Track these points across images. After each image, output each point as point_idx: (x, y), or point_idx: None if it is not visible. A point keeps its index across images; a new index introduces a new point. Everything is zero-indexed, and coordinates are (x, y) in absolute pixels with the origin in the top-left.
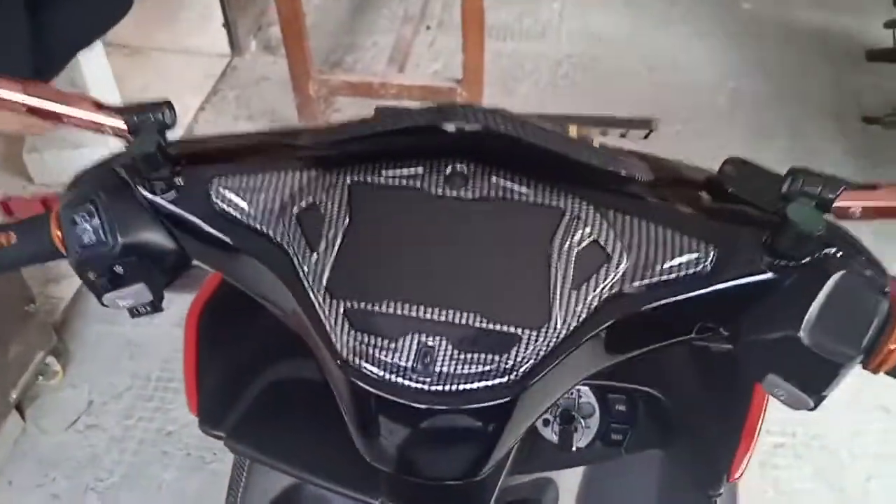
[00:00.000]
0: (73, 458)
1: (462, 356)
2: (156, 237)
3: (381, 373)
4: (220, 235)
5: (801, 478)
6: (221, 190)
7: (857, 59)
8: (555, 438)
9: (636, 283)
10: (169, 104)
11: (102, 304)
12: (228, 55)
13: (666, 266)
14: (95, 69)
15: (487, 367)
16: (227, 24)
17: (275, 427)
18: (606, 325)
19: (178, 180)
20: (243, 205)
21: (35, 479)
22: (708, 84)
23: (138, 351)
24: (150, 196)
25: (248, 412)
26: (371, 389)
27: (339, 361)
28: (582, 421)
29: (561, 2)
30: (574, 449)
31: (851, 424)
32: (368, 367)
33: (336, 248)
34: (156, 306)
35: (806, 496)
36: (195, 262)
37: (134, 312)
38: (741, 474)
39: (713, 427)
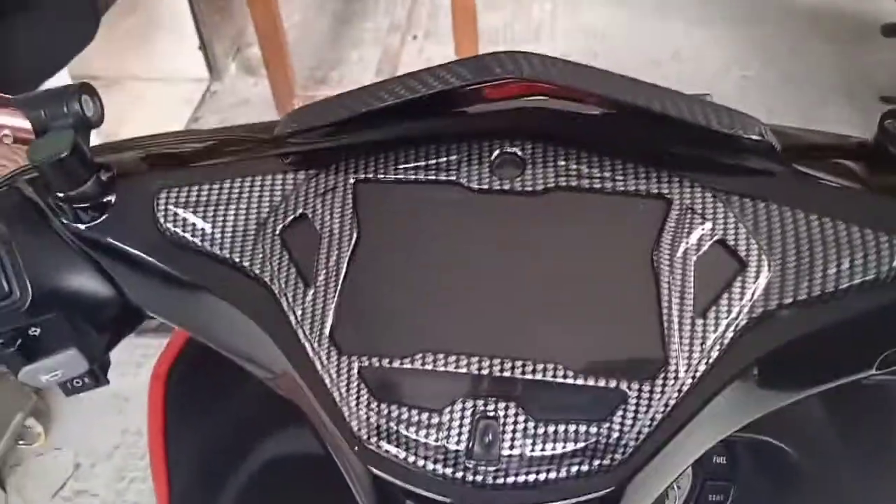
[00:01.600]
0: None
1: (540, 430)
2: (83, 281)
3: (420, 461)
4: (172, 271)
5: None
6: (171, 207)
7: (868, 36)
8: None
9: (787, 300)
10: (89, 89)
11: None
12: (207, 79)
13: (829, 272)
14: None
15: (580, 444)
16: (204, 47)
17: None
18: (748, 365)
19: (110, 198)
20: (203, 225)
21: None
22: (713, 73)
23: (126, 405)
24: (70, 223)
25: (238, 502)
26: (405, 485)
27: (355, 447)
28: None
29: (552, 1)
30: None
31: None
32: (399, 453)
33: (341, 278)
34: (97, 378)
35: None
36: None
37: (68, 389)
38: None
39: (861, 490)
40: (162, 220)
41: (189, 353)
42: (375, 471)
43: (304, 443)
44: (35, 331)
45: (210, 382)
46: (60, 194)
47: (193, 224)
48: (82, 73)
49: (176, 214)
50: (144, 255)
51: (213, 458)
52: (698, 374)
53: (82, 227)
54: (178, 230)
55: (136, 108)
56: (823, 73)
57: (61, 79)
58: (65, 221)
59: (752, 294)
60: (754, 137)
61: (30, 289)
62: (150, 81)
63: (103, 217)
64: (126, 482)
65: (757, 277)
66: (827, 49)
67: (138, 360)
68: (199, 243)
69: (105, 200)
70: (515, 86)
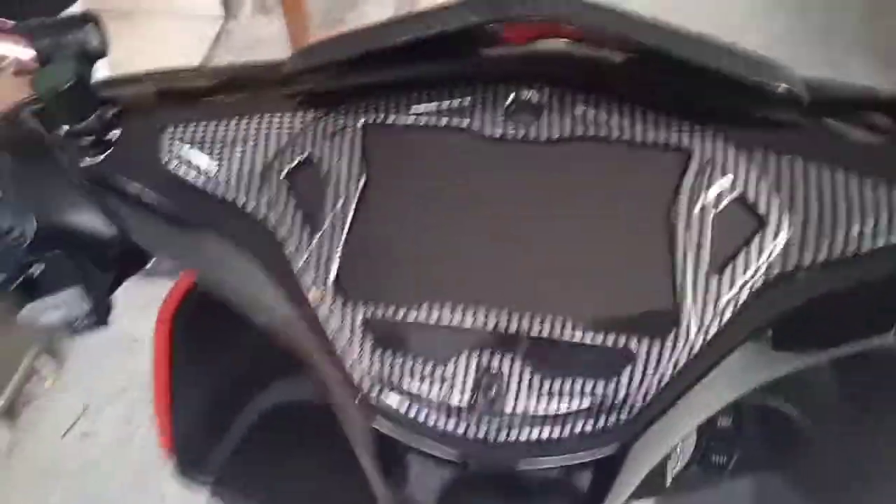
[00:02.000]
0: (67, 468)
1: (545, 386)
2: (87, 218)
3: (422, 415)
4: (176, 210)
5: None
6: (176, 144)
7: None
8: None
9: (806, 260)
10: (93, 18)
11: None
12: (222, 17)
13: (852, 233)
14: None
15: (585, 403)
16: None
17: (273, 470)
18: (763, 326)
19: (114, 133)
20: (208, 165)
21: (27, 491)
22: (735, 26)
23: (138, 346)
24: (73, 157)
25: (238, 451)
26: (406, 441)
27: (356, 399)
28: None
29: None
30: (669, 479)
31: None
32: (401, 405)
33: (347, 224)
34: (100, 317)
35: None
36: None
37: (71, 329)
38: None
39: (872, 462)
40: (167, 157)
41: (194, 298)
42: (375, 424)
43: (308, 392)
44: (38, 268)
45: (215, 328)
46: (64, 127)
47: (198, 163)
48: (97, 6)
49: (180, 152)
50: (148, 194)
51: (216, 404)
52: (710, 335)
53: (86, 161)
54: (182, 168)
55: (148, 44)
56: (850, 26)
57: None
58: (69, 156)
59: (771, 254)
60: (781, 88)
61: (34, 223)
62: (163, 16)
63: (107, 152)
64: (134, 425)
65: (776, 236)
66: (853, 1)
67: (149, 301)
68: (204, 183)
69: (109, 136)
70: (535, 27)
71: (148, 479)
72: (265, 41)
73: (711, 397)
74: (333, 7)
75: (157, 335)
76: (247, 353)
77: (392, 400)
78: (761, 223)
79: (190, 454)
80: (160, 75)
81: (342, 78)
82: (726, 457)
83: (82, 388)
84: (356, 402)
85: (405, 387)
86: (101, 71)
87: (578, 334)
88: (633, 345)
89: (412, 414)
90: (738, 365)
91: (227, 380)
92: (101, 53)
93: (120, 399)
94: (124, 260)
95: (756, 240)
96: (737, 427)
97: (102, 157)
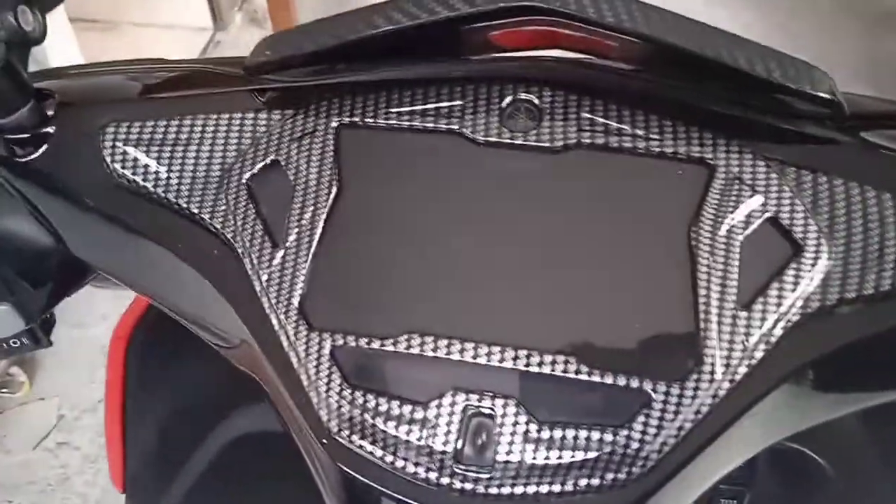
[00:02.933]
0: (41, 480)
1: (543, 434)
2: (17, 225)
3: (399, 462)
4: (119, 218)
5: None
6: (120, 144)
7: (893, 19)
8: None
9: (849, 295)
10: (28, 1)
11: None
12: (211, 29)
13: None
14: (59, 45)
15: (591, 454)
16: None
17: None
18: (797, 369)
19: (49, 129)
20: (156, 167)
21: None
22: None
23: None
24: (2, 155)
25: (196, 489)
26: (380, 488)
27: (323, 440)
28: None
29: None
30: None
31: None
32: (375, 450)
33: (315, 239)
34: (37, 338)
35: None
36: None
37: (3, 349)
38: None
39: None
40: (109, 158)
41: (153, 315)
42: (345, 468)
43: (273, 424)
44: None
45: (175, 349)
46: None
47: (146, 165)
48: (82, 16)
49: (126, 153)
50: (87, 199)
51: (172, 435)
52: (738, 377)
53: (16, 161)
54: (128, 172)
55: (135, 56)
56: (845, 58)
57: (58, 20)
58: None
59: (808, 285)
60: (824, 96)
61: None
62: (151, 28)
63: (40, 151)
64: None
65: (814, 265)
66: (848, 32)
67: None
68: (152, 189)
69: (43, 132)
70: (529, 33)
71: (121, 498)
72: None
73: (736, 450)
74: (324, 16)
75: (111, 354)
76: (209, 377)
77: (364, 442)
78: (797, 249)
79: (143, 491)
80: (103, 67)
81: (312, 74)
82: (736, 501)
83: (57, 399)
84: (322, 443)
85: (380, 428)
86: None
87: (584, 373)
88: (648, 387)
89: (388, 459)
90: (768, 413)
91: (184, 407)
92: (37, 39)
93: (97, 410)
94: (62, 273)
95: (791, 268)
96: (748, 468)
97: (35, 154)
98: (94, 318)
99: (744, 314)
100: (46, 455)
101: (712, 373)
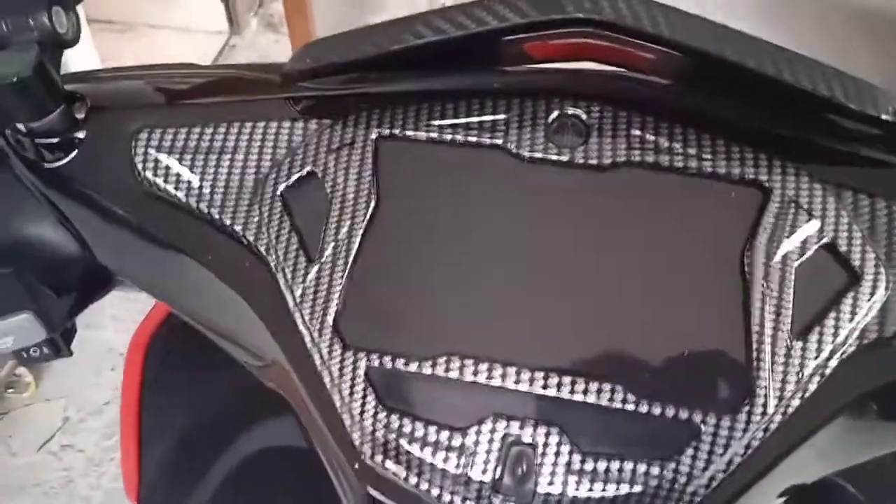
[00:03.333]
0: (44, 483)
1: (587, 465)
2: (43, 232)
3: (434, 490)
4: (148, 228)
5: None
6: (152, 151)
7: None
8: None
9: None
10: (63, 2)
11: None
12: (227, 33)
13: None
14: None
15: (637, 487)
16: None
17: None
18: (852, 402)
19: (80, 134)
20: (188, 176)
21: None
22: None
23: (121, 360)
24: (30, 161)
25: (213, 503)
26: None
27: (355, 464)
28: None
29: None
30: None
31: None
32: (409, 477)
33: (352, 254)
34: (58, 347)
35: None
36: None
37: (23, 358)
38: None
39: None
40: (140, 165)
41: (174, 323)
42: (377, 495)
43: (296, 439)
44: None
45: (195, 358)
46: (20, 126)
47: (178, 174)
48: (99, 17)
49: (157, 160)
50: (116, 207)
51: (190, 447)
52: (790, 410)
53: (45, 166)
54: (159, 180)
55: (152, 58)
56: (859, 74)
57: None
58: (25, 159)
59: (866, 314)
60: (888, 118)
61: None
62: (167, 30)
63: (70, 156)
64: (115, 440)
65: (873, 294)
66: (862, 48)
67: (136, 316)
68: (183, 198)
69: (74, 137)
70: (562, 45)
71: (125, 501)
72: (270, 58)
73: (783, 484)
74: (340, 22)
75: (128, 363)
76: (229, 389)
77: (398, 468)
78: (854, 278)
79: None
80: (137, 71)
81: (352, 83)
82: None
83: (63, 400)
84: (354, 468)
85: (415, 455)
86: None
87: (631, 402)
88: (697, 418)
89: (422, 487)
90: (821, 446)
91: (203, 419)
92: (72, 41)
93: (102, 413)
94: (87, 282)
95: (848, 297)
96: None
97: (65, 160)
98: (103, 319)
99: (799, 344)
100: (50, 457)
101: (765, 405)
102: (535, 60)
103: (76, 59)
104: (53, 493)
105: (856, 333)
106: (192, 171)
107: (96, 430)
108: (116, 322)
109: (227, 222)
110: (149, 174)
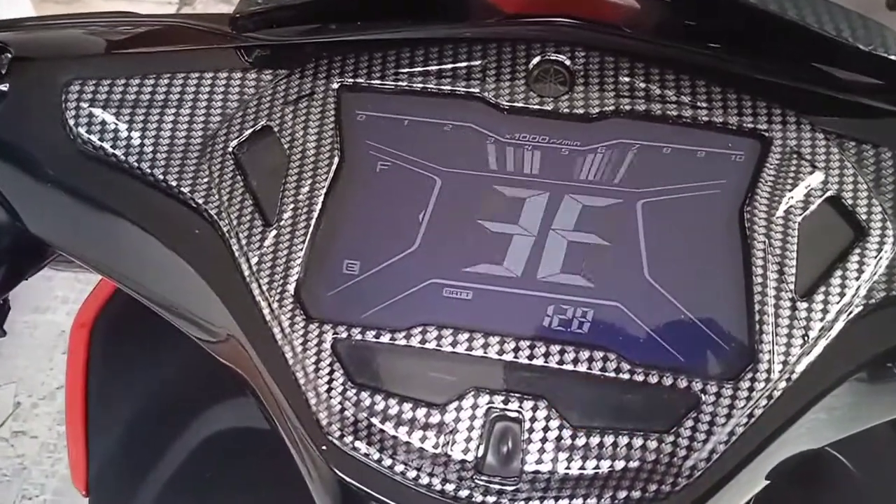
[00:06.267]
0: None
1: (578, 440)
2: None
3: (411, 472)
4: (82, 190)
5: None
6: (85, 105)
7: (876, 8)
8: None
9: None
10: None
11: None
12: (177, 3)
13: None
14: (15, 14)
15: (632, 462)
16: None
17: None
18: (861, 365)
19: (2, 86)
20: (127, 132)
21: None
22: None
23: None
24: None
25: (165, 490)
26: (387, 502)
27: (322, 446)
28: None
29: None
30: None
31: None
32: (383, 459)
33: (314, 217)
34: None
35: None
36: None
37: None
38: None
39: None
40: (73, 121)
41: (120, 300)
42: (346, 478)
43: (255, 420)
44: None
45: (143, 337)
46: None
47: (115, 129)
48: None
49: (91, 115)
50: (46, 167)
51: (140, 434)
52: (795, 376)
53: None
54: (94, 137)
55: None
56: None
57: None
58: None
59: (873, 272)
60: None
61: None
62: (114, 1)
63: None
64: None
65: (880, 250)
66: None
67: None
68: (122, 157)
69: None
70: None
71: None
72: None
73: (787, 454)
74: None
75: (72, 344)
76: (180, 368)
77: (370, 449)
78: (861, 233)
79: (108, 494)
80: (68, 19)
81: (307, 32)
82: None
83: (13, 385)
84: (321, 451)
85: (389, 434)
86: None
87: (625, 371)
88: (697, 387)
89: (397, 469)
90: (827, 412)
91: (154, 404)
92: None
93: (55, 399)
94: (17, 254)
95: (855, 254)
96: None
97: None
98: (53, 301)
99: (803, 305)
100: (2, 444)
101: (768, 371)
102: (504, 14)
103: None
104: (6, 480)
105: (863, 292)
106: (132, 127)
107: (49, 415)
108: (67, 305)
109: (173, 184)
110: (82, 130)
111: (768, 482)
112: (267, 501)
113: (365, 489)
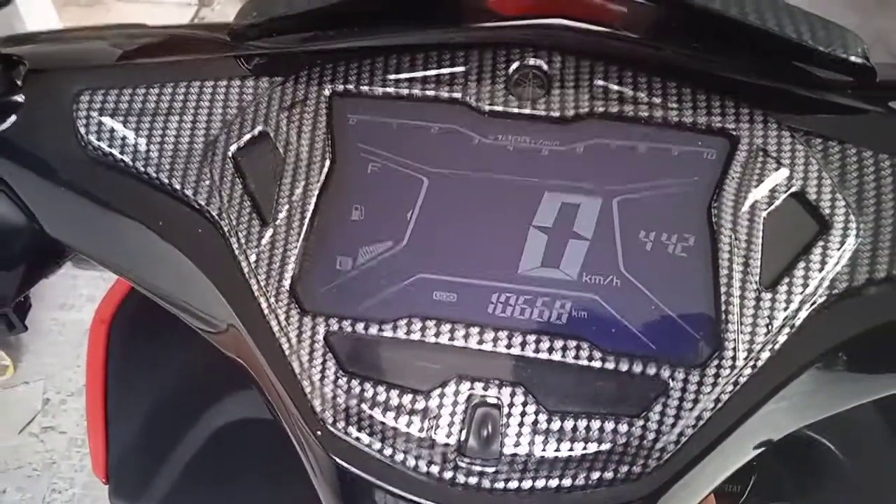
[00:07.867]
0: (27, 465)
1: (554, 424)
2: None
3: (398, 455)
4: (94, 194)
5: None
6: (95, 114)
7: (888, 2)
8: None
9: (878, 275)
10: None
11: None
12: (196, 4)
13: None
14: (40, 21)
15: (604, 445)
16: None
17: (219, 499)
18: (824, 354)
19: (18, 98)
20: (134, 139)
21: None
22: None
23: None
24: None
25: (185, 477)
26: (378, 483)
27: (317, 431)
28: None
29: None
30: None
31: None
32: (372, 442)
33: (307, 216)
34: (10, 323)
35: None
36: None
37: None
38: None
39: None
40: (83, 129)
41: (136, 297)
42: (340, 461)
43: (263, 411)
44: None
45: (159, 333)
46: None
47: (123, 137)
48: None
49: (101, 123)
50: (60, 174)
51: (158, 424)
52: (760, 363)
53: None
54: (104, 144)
55: None
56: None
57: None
58: None
59: (836, 264)
60: (856, 60)
61: None
62: (137, 3)
63: (9, 121)
64: None
65: (842, 243)
66: (835, 12)
67: None
68: (130, 162)
69: (12, 100)
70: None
71: None
72: None
73: (755, 438)
74: None
75: (92, 339)
76: (196, 361)
77: (361, 434)
78: (824, 226)
79: (127, 481)
80: (79, 32)
81: (302, 40)
82: (740, 486)
83: (42, 382)
84: (316, 436)
85: (378, 419)
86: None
87: (597, 359)
88: (665, 374)
89: (386, 452)
90: (792, 400)
91: (170, 395)
92: (4, 1)
93: (82, 394)
94: (36, 254)
95: (818, 246)
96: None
97: (3, 125)
98: (78, 299)
99: (767, 296)
100: (32, 440)
101: (734, 358)
102: (501, 17)
103: (38, 28)
104: (37, 475)
105: (826, 283)
106: (138, 134)
107: (77, 410)
108: (92, 302)
109: (177, 186)
110: (92, 138)
111: (735, 469)
112: (281, 489)
113: (357, 471)
